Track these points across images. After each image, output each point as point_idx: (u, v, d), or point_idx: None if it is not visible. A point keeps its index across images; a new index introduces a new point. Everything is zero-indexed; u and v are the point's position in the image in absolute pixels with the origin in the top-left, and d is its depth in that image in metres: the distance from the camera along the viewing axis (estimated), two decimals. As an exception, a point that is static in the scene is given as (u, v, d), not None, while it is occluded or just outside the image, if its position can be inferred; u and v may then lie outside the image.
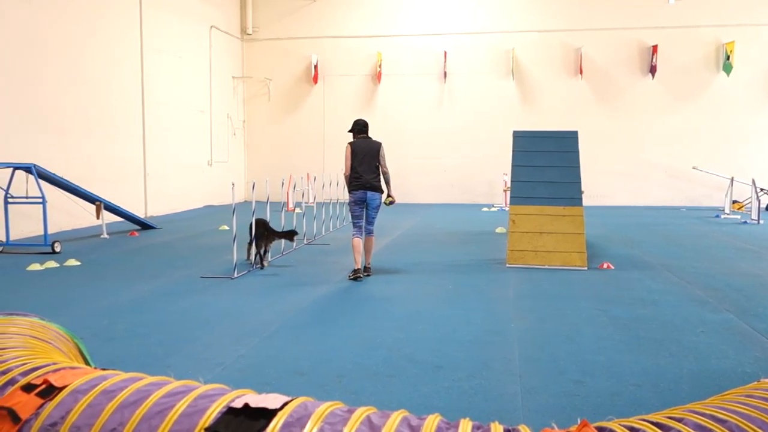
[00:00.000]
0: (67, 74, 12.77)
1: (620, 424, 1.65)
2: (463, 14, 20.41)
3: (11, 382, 1.94)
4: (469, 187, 20.76)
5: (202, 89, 18.83)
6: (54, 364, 2.07)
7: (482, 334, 5.45)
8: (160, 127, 16.34)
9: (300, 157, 21.26)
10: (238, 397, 1.79)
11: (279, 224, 9.96)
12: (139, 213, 14.58)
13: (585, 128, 16.24)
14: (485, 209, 18.47)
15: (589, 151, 16.77)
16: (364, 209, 8.14)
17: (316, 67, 21.04)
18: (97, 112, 13.78)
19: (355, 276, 7.90)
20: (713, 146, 19.49)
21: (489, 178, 20.42)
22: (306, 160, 21.07)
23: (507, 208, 12.62)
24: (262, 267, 8.62)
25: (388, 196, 8.37)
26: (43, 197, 9.86)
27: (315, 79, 21.13)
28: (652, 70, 19.44)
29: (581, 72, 19.78)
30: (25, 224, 11.17)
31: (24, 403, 1.83)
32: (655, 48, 19.33)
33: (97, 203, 11.48)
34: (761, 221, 14.68)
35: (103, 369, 2.07)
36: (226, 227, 12.98)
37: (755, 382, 1.92)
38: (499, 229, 12.93)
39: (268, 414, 1.68)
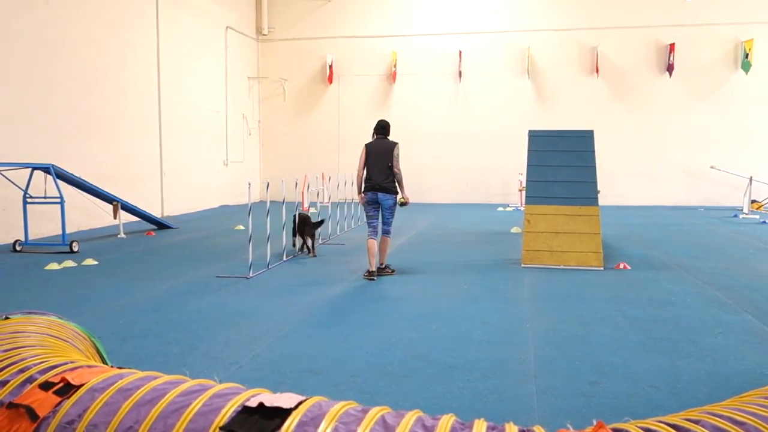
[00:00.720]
0: (84, 75, 12.89)
1: (636, 426, 1.64)
2: (478, 13, 20.36)
3: (29, 380, 1.96)
4: (485, 187, 20.70)
5: (217, 89, 18.93)
6: (71, 362, 2.09)
7: (497, 334, 5.43)
8: (177, 128, 16.45)
9: (315, 157, 21.32)
10: (253, 396, 1.80)
11: (294, 224, 9.99)
12: (156, 213, 14.68)
13: (601, 127, 16.17)
14: (500, 209, 18.41)
15: (605, 151, 16.69)
16: (379, 210, 8.15)
17: (331, 67, 21.08)
18: (114, 113, 13.89)
19: (369, 277, 7.93)
20: (731, 145, 19.29)
21: (504, 178, 20.35)
22: (321, 159, 21.12)
23: (522, 208, 12.58)
24: (314, 255, 9.62)
25: (401, 197, 8.34)
26: (61, 197, 9.96)
27: (330, 79, 21.17)
28: (670, 68, 19.28)
29: (597, 71, 19.66)
30: (43, 224, 11.29)
31: (42, 401, 1.85)
32: (672, 46, 19.16)
33: (114, 203, 11.57)
34: (780, 221, 14.51)
35: (120, 368, 2.09)
36: (242, 227, 13.04)
37: (774, 384, 1.91)
38: (515, 229, 12.88)
39: (282, 413, 1.68)
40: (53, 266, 8.61)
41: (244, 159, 20.75)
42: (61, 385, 1.91)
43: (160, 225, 13.23)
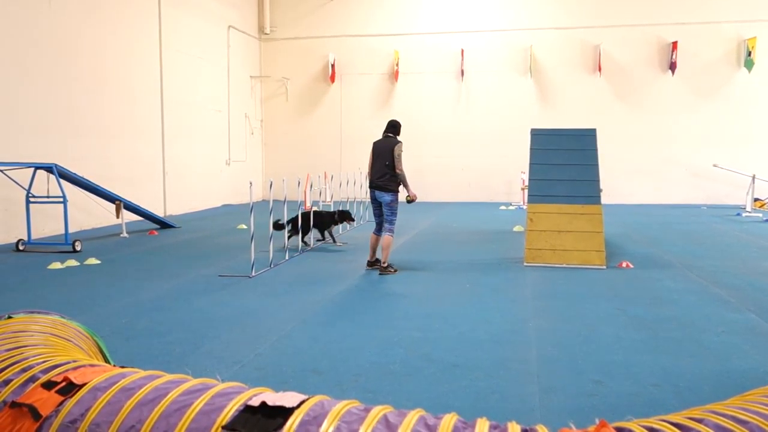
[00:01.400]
0: (86, 75, 12.90)
1: (639, 425, 1.64)
2: (481, 12, 20.35)
3: (32, 379, 1.97)
4: (487, 186, 20.69)
5: (220, 89, 18.94)
6: (74, 361, 2.10)
7: (500, 333, 5.43)
8: (179, 127, 16.47)
9: (317, 156, 21.32)
10: (255, 395, 1.80)
11: (297, 223, 10.00)
12: (159, 212, 14.69)
13: (604, 126, 16.13)
14: (503, 207, 18.40)
15: (607, 149, 16.67)
16: (380, 207, 8.24)
17: (333, 66, 21.08)
18: (116, 112, 13.90)
19: (369, 267, 8.46)
20: (734, 143, 19.25)
21: (507, 177, 20.34)
22: (323, 159, 21.13)
23: (525, 207, 12.57)
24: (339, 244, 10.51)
25: (407, 194, 8.38)
26: (64, 196, 9.97)
27: (332, 78, 21.17)
28: (672, 66, 19.24)
29: (600, 69, 19.63)
30: (46, 223, 11.31)
31: (44, 400, 1.85)
32: (675, 44, 19.13)
33: (117, 202, 11.59)
34: (784, 220, 14.49)
35: (123, 367, 2.09)
36: (245, 226, 13.05)
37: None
38: (517, 228, 12.87)
39: (285, 412, 1.69)
40: (56, 265, 8.63)
41: (247, 158, 20.77)
42: (63, 384, 1.91)
43: (163, 224, 13.25)
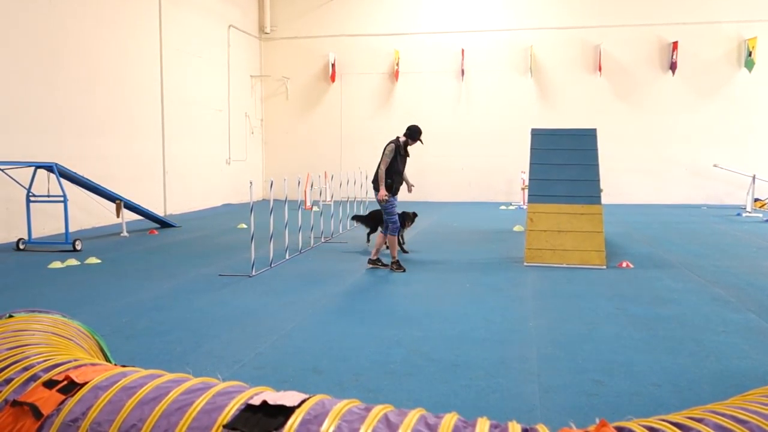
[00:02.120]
0: (87, 74, 12.90)
1: (639, 424, 1.64)
2: (481, 12, 20.34)
3: (33, 378, 1.97)
4: (487, 185, 20.69)
5: (220, 88, 18.94)
6: (75, 360, 2.10)
7: (500, 332, 5.43)
8: (179, 126, 16.47)
9: (317, 155, 21.33)
10: (256, 394, 1.80)
11: (296, 222, 9.99)
12: (159, 211, 14.70)
13: (604, 126, 16.13)
14: (503, 207, 18.40)
15: (608, 149, 16.66)
16: None
17: (333, 65, 21.08)
18: (117, 112, 13.91)
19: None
20: (735, 143, 19.24)
21: (507, 176, 20.34)
22: (323, 158, 21.14)
23: (525, 206, 12.57)
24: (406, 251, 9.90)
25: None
26: (64, 196, 9.97)
27: (332, 78, 21.17)
28: (673, 66, 19.24)
29: (600, 69, 19.62)
30: (46, 222, 11.31)
31: (46, 399, 1.85)
32: (675, 44, 19.13)
33: (117, 202, 11.59)
34: (784, 219, 14.48)
35: (123, 366, 2.10)
36: (245, 225, 13.05)
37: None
38: (517, 228, 12.88)
39: (286, 411, 1.69)
40: (56, 265, 8.63)
41: (247, 158, 20.76)
42: (65, 383, 1.91)
43: (163, 224, 13.25)
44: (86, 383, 1.90)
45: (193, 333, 5.38)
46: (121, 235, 11.74)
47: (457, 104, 20.77)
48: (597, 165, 9.69)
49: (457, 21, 20.47)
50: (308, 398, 1.76)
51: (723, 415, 1.66)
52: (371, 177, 8.69)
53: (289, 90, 21.69)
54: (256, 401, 1.74)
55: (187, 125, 16.85)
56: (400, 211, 9.09)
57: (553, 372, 4.42)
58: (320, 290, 7.15)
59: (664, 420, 1.65)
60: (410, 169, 8.99)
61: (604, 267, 8.62)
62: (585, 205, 9.14)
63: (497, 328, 5.55)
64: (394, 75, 20.83)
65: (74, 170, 10.97)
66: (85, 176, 11.20)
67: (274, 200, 9.14)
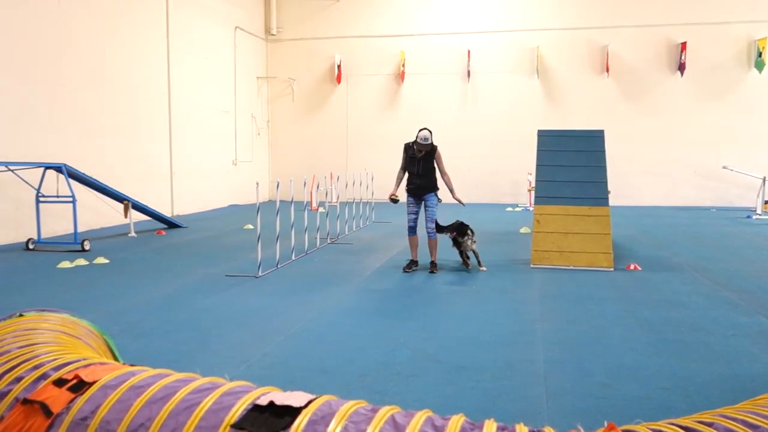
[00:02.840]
0: (95, 75, 12.96)
1: (648, 428, 1.63)
2: (487, 13, 20.31)
3: (43, 376, 1.98)
4: (494, 187, 20.65)
5: (226, 89, 18.99)
6: (84, 359, 2.11)
7: (506, 335, 5.42)
8: (186, 127, 16.52)
9: (324, 156, 21.34)
10: (263, 394, 1.80)
11: (302, 223, 9.99)
12: (166, 212, 14.74)
13: (612, 127, 16.10)
14: (509, 209, 18.37)
15: (616, 151, 16.63)
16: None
17: (339, 66, 21.10)
18: (124, 113, 13.96)
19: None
20: (745, 145, 19.12)
21: (513, 178, 20.30)
22: (330, 159, 21.15)
23: (531, 208, 12.55)
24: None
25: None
26: (73, 196, 10.02)
27: (338, 79, 21.19)
28: (681, 67, 19.16)
29: (608, 70, 19.57)
30: (55, 223, 11.36)
31: (55, 398, 1.86)
32: (684, 45, 19.05)
33: (125, 202, 11.63)
34: (793, 222, 14.40)
35: (132, 365, 2.10)
36: (251, 226, 13.07)
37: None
38: (524, 229, 12.85)
39: (293, 411, 1.69)
40: (65, 264, 8.67)
41: (253, 159, 20.80)
42: (74, 381, 1.92)
43: (170, 224, 13.29)
44: (95, 382, 1.91)
45: (200, 333, 5.40)
46: (129, 235, 11.78)
47: (463, 105, 20.75)
48: (604, 166, 9.66)
49: (463, 22, 20.45)
50: (315, 399, 1.77)
51: (733, 419, 1.65)
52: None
53: (295, 91, 21.73)
54: (264, 401, 1.74)
55: (193, 126, 16.90)
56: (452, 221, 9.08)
57: (561, 375, 4.40)
58: (326, 291, 7.16)
59: (673, 424, 1.64)
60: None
61: (612, 269, 8.59)
62: (592, 206, 9.11)
63: (504, 331, 5.54)
64: (400, 76, 20.83)
65: (83, 171, 11.02)
66: (93, 177, 11.25)
67: (281, 201, 9.16)
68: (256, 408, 1.73)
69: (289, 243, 9.73)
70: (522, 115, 20.02)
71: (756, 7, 18.73)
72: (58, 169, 10.29)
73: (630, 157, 19.36)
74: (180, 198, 16.19)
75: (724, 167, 18.67)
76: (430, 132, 8.76)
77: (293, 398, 1.75)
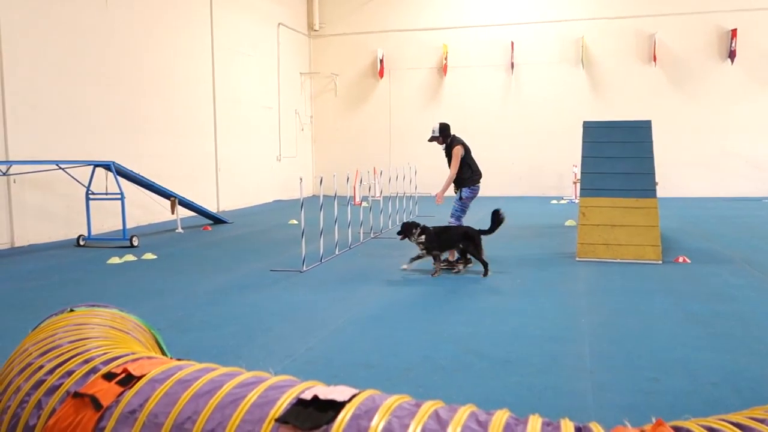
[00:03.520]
0: (142, 75, 13.23)
1: (698, 424, 1.59)
2: (531, 3, 20.05)
3: (93, 370, 2.03)
4: (538, 180, 20.42)
5: (270, 86, 19.17)
6: (132, 354, 2.16)
7: (552, 329, 5.36)
8: (231, 124, 16.75)
9: (367, 151, 21.39)
10: (307, 388, 1.81)
11: (346, 218, 10.03)
12: (212, 208, 14.99)
13: (659, 117, 15.71)
14: (554, 202, 18.14)
15: (663, 141, 16.23)
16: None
17: (381, 61, 21.10)
18: (170, 111, 14.23)
19: (450, 267, 8.19)
20: (798, 134, 18.51)
21: (558, 170, 20.03)
22: (373, 154, 21.18)
23: (577, 201, 12.36)
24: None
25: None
26: (121, 193, 10.25)
27: (381, 74, 21.19)
28: (732, 55, 18.60)
29: (655, 59, 19.12)
30: (105, 219, 11.65)
31: (105, 391, 1.91)
32: (734, 32, 18.48)
33: (172, 199, 11.85)
34: None
35: (179, 359, 2.14)
36: (295, 221, 13.19)
37: None
38: (569, 222, 12.68)
39: (336, 406, 1.70)
40: (115, 260, 8.88)
41: (297, 154, 20.98)
42: (123, 375, 1.96)
43: (216, 220, 13.50)
44: (143, 376, 1.95)
45: (245, 327, 5.47)
46: (176, 231, 12.01)
47: (506, 98, 20.54)
48: (652, 157, 9.45)
49: (506, 13, 20.22)
50: (358, 393, 1.77)
51: (787, 415, 1.60)
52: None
53: (338, 86, 21.81)
54: (307, 396, 1.75)
55: (238, 123, 17.13)
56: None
57: (607, 369, 4.33)
58: (370, 285, 7.18)
59: (723, 420, 1.60)
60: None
61: (660, 262, 8.41)
62: (639, 198, 8.92)
63: (549, 325, 5.48)
64: (443, 69, 20.73)
65: (131, 168, 11.26)
66: (141, 174, 11.50)
67: (324, 196, 9.21)
68: (300, 402, 1.74)
69: (332, 238, 9.79)
70: (567, 106, 19.72)
71: (811, -11, 18.05)
72: (107, 167, 10.54)
73: (678, 148, 18.89)
74: (225, 194, 16.43)
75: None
76: (441, 125, 8.55)
77: (337, 393, 1.75)
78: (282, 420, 1.68)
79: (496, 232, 8.10)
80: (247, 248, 10.06)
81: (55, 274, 8.00)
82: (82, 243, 10.42)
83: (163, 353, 2.85)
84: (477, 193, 8.62)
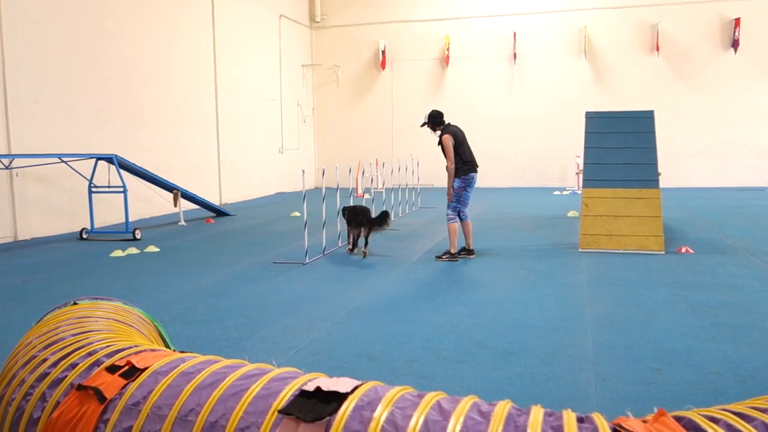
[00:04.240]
0: (143, 67, 13.21)
1: (700, 414, 1.60)
2: (533, -7, 19.97)
3: (97, 363, 2.04)
4: (541, 171, 20.40)
5: (272, 78, 19.15)
6: (136, 346, 2.16)
7: (555, 319, 5.36)
8: (233, 117, 16.74)
9: (369, 143, 21.38)
10: (310, 380, 1.82)
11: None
12: (214, 200, 15.00)
13: (662, 107, 15.70)
14: (557, 193, 18.12)
15: (666, 132, 16.22)
16: (470, 192, 8.35)
17: (383, 52, 21.05)
18: (172, 103, 14.22)
19: (453, 258, 8.16)
20: (802, 123, 18.44)
21: (561, 161, 20.00)
22: (375, 145, 21.17)
23: (579, 192, 12.35)
24: (352, 251, 8.75)
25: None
26: (124, 186, 10.27)
27: (383, 65, 21.15)
28: (735, 44, 18.52)
29: (658, 49, 19.04)
30: (107, 212, 11.67)
31: (109, 384, 1.92)
32: (737, 21, 18.38)
33: (175, 191, 11.86)
34: None
35: (182, 352, 2.15)
36: (298, 214, 13.20)
37: None
38: (572, 213, 12.67)
39: (339, 397, 1.71)
40: (118, 253, 8.90)
41: (299, 146, 20.97)
42: (126, 368, 1.97)
43: (219, 212, 13.51)
44: (147, 368, 1.96)
45: (248, 319, 5.49)
46: (179, 224, 12.03)
47: (509, 89, 20.50)
48: (654, 148, 9.43)
49: (509, 3, 20.15)
50: (361, 384, 1.78)
51: (789, 405, 1.60)
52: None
53: (339, 78, 21.78)
54: (310, 387, 1.76)
55: (240, 115, 17.12)
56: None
57: (610, 360, 4.34)
58: (373, 277, 7.19)
59: (725, 410, 1.60)
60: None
61: (663, 253, 8.40)
62: (642, 189, 8.91)
63: (552, 315, 5.49)
64: (445, 60, 20.68)
65: (133, 161, 11.27)
66: (143, 167, 11.50)
67: (327, 188, 9.21)
68: (303, 394, 1.75)
69: (335, 230, 9.80)
70: (569, 97, 19.67)
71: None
72: (109, 160, 10.55)
73: (681, 138, 18.85)
74: (228, 186, 16.45)
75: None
76: (430, 112, 8.53)
77: (340, 384, 1.76)
78: (285, 411, 1.69)
79: (378, 230, 8.66)
80: (249, 241, 10.07)
81: (58, 268, 8.02)
82: (85, 236, 10.45)
83: (167, 346, 2.86)
84: (471, 184, 8.29)
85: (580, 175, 12.66)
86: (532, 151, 20.37)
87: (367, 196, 14.99)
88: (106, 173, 10.81)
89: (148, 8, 13.32)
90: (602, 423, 1.55)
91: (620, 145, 9.52)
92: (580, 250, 8.74)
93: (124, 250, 9.07)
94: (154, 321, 2.87)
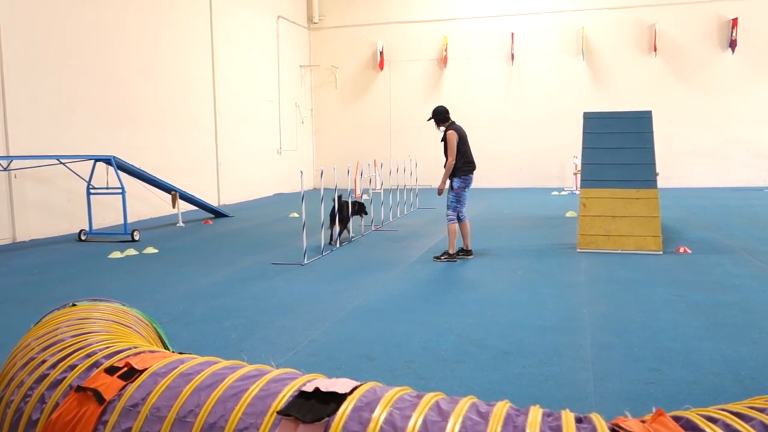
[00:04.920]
0: (141, 69, 13.21)
1: (698, 414, 1.60)
2: (531, -6, 19.99)
3: (96, 364, 2.04)
4: (539, 171, 20.41)
5: (270, 79, 19.15)
6: (135, 347, 2.17)
7: (553, 319, 5.37)
8: (231, 118, 16.74)
9: (367, 143, 21.38)
10: (309, 381, 1.82)
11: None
12: (213, 201, 14.99)
13: (660, 108, 15.69)
14: (555, 193, 18.14)
15: (664, 132, 16.24)
16: (468, 192, 8.34)
17: (381, 53, 21.06)
18: (170, 105, 14.22)
19: (451, 258, 8.15)
20: (799, 123, 18.46)
21: (559, 161, 20.01)
22: (373, 146, 21.17)
23: (578, 192, 12.36)
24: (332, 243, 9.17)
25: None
26: (122, 188, 10.26)
27: (381, 66, 21.15)
28: (732, 44, 18.54)
29: (655, 49, 19.06)
30: (106, 214, 11.66)
31: (108, 385, 1.92)
32: (735, 21, 18.41)
33: (173, 193, 11.86)
34: None
35: (181, 353, 2.15)
36: (296, 214, 13.19)
37: None
38: (570, 213, 12.68)
39: (338, 398, 1.71)
40: (116, 255, 8.90)
41: (298, 147, 20.97)
42: (125, 369, 1.98)
43: (217, 213, 13.51)
44: (145, 369, 1.96)
45: (247, 320, 5.49)
46: (177, 225, 12.02)
47: (507, 89, 20.51)
48: (652, 148, 9.44)
49: (506, 4, 20.16)
50: (360, 385, 1.78)
51: (787, 404, 1.61)
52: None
53: (338, 79, 21.78)
54: (309, 388, 1.76)
55: (238, 116, 17.12)
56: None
57: (608, 360, 4.34)
58: (371, 278, 7.19)
59: (723, 409, 1.61)
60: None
61: (661, 252, 8.41)
62: (640, 189, 8.92)
63: (550, 315, 5.49)
64: (443, 61, 20.69)
65: (131, 162, 11.27)
66: (141, 168, 11.50)
67: (325, 189, 9.22)
68: (301, 394, 1.75)
69: (333, 231, 9.79)
70: (567, 97, 19.68)
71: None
72: (108, 161, 10.54)
73: (679, 138, 18.87)
74: (226, 187, 16.44)
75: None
76: (436, 108, 8.52)
77: (338, 385, 1.76)
78: (284, 412, 1.69)
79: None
80: (248, 242, 10.07)
81: (57, 269, 8.02)
82: (83, 237, 10.44)
83: (166, 347, 2.86)
84: (469, 184, 8.29)
85: (578, 176, 12.68)
86: (530, 152, 20.38)
87: (365, 197, 14.99)
88: (105, 174, 10.80)
89: (146, 9, 13.32)
90: (601, 423, 1.56)
91: (618, 146, 9.53)
92: (578, 250, 8.75)
93: (122, 251, 9.07)
94: (153, 322, 2.87)
